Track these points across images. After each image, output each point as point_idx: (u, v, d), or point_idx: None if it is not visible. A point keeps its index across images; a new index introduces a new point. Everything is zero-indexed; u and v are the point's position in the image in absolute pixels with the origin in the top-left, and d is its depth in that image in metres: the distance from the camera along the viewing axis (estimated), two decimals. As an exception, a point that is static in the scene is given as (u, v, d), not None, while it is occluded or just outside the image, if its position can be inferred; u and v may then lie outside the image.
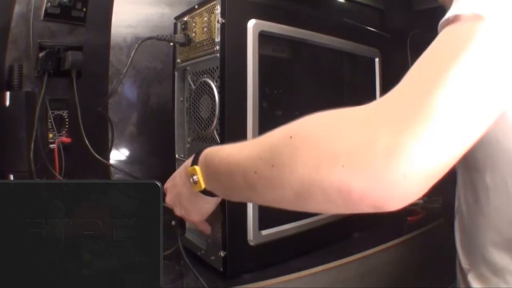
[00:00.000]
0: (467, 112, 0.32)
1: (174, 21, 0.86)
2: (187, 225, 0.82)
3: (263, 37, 0.73)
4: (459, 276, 0.64)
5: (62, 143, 0.88)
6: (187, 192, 0.56)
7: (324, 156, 0.32)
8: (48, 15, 0.88)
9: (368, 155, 0.30)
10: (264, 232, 0.76)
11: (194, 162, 0.51)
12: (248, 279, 0.73)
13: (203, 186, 0.50)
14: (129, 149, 1.10)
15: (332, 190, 0.32)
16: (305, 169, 0.34)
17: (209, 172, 0.49)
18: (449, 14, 0.38)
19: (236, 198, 0.49)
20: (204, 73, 0.76)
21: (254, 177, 0.39)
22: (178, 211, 0.61)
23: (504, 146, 0.48)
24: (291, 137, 0.36)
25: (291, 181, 0.35)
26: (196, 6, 0.77)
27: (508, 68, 0.34)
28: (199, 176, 0.50)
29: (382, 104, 0.33)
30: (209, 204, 0.58)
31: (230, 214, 0.71)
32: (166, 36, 0.81)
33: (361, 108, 0.34)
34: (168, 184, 0.61)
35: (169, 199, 0.60)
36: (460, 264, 0.63)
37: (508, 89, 0.34)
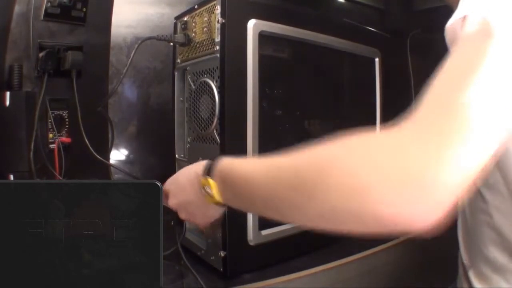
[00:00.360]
0: (492, 135, 0.32)
1: (174, 21, 0.86)
2: (187, 225, 0.82)
3: (263, 37, 0.73)
4: (461, 272, 0.64)
5: (62, 143, 0.88)
6: (197, 200, 0.54)
7: (358, 185, 0.32)
8: (48, 15, 0.88)
9: (402, 183, 0.30)
10: (264, 232, 0.76)
11: (207, 173, 0.49)
12: (248, 279, 0.73)
13: (218, 199, 0.48)
14: (129, 149, 1.10)
15: (367, 217, 0.32)
16: (338, 198, 0.33)
17: (225, 187, 0.47)
18: (456, 16, 0.37)
19: (255, 213, 0.49)
20: (204, 73, 0.76)
21: (276, 202, 0.39)
22: (183, 216, 0.59)
23: (507, 146, 0.48)
24: (321, 164, 0.35)
25: (321, 207, 0.35)
26: (196, 6, 0.77)
27: None
28: (213, 190, 0.48)
29: (412, 127, 0.33)
30: (218, 212, 0.57)
31: (230, 214, 0.71)
32: (166, 36, 0.81)
33: (392, 133, 0.33)
34: (171, 186, 0.59)
35: (174, 204, 0.58)
36: (461, 261, 0.63)
37: None
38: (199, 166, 0.52)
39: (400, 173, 0.30)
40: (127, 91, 1.10)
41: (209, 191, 0.48)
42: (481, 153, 0.31)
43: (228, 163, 0.48)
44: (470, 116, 0.31)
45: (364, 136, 0.35)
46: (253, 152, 0.72)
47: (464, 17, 0.36)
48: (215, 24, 0.71)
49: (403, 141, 0.32)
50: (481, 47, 0.34)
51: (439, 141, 0.30)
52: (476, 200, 0.57)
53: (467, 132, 0.31)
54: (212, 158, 0.50)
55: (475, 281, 0.58)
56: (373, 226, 0.32)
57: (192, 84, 0.80)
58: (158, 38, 0.80)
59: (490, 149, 0.32)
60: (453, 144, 0.30)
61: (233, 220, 0.72)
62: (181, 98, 0.86)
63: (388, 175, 0.31)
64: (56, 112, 0.89)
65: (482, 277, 0.57)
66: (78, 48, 0.91)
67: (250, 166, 0.44)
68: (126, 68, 0.80)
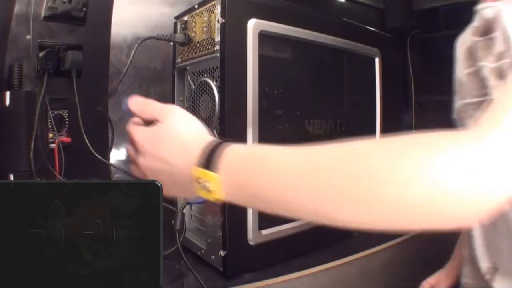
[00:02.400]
0: None
1: (174, 20, 0.86)
2: (187, 225, 0.82)
3: (263, 37, 0.73)
4: (471, 277, 0.65)
5: (62, 143, 0.88)
6: (179, 181, 0.41)
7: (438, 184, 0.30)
8: (48, 15, 0.88)
9: (460, 181, 0.30)
10: (264, 232, 0.76)
11: (208, 162, 0.38)
12: (248, 279, 0.73)
13: (220, 197, 0.38)
14: (129, 149, 1.10)
15: (440, 216, 0.31)
16: (412, 191, 0.30)
17: (237, 183, 0.38)
18: None
19: (276, 211, 0.37)
20: (204, 72, 0.76)
21: (326, 206, 0.34)
22: (142, 171, 0.44)
23: None
24: (395, 155, 0.32)
25: (386, 200, 0.32)
26: (196, 6, 0.77)
27: None
28: (215, 186, 0.37)
29: (495, 135, 0.31)
30: (200, 199, 0.43)
31: (230, 214, 0.71)
32: (166, 36, 0.81)
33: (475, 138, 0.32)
34: (148, 146, 0.42)
35: (141, 164, 0.43)
36: (480, 267, 0.63)
37: None
38: (196, 146, 0.39)
39: (459, 172, 0.29)
40: (127, 91, 1.10)
41: (207, 185, 0.38)
42: None
43: (243, 151, 0.38)
44: None
45: (445, 135, 0.32)
46: (253, 152, 0.72)
47: None
48: (215, 24, 0.71)
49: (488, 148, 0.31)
50: None
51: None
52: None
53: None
54: (212, 142, 0.39)
55: (503, 283, 0.59)
56: (438, 223, 0.31)
57: (192, 83, 0.80)
58: (158, 38, 0.80)
59: None
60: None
61: (233, 220, 0.72)
62: (181, 98, 0.86)
63: (463, 180, 0.30)
64: (56, 112, 0.89)
65: (510, 276, 0.58)
66: (78, 48, 0.91)
67: (279, 158, 0.36)
68: (126, 68, 0.80)
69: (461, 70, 0.65)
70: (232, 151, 0.38)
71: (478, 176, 0.30)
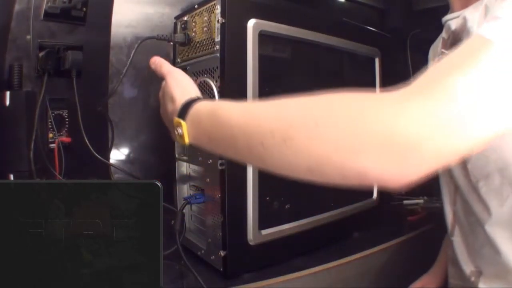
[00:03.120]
0: (485, 108, 0.33)
1: (174, 20, 0.86)
2: (187, 225, 0.82)
3: (263, 37, 0.73)
4: (461, 282, 0.65)
5: (62, 142, 0.88)
6: (172, 130, 0.53)
7: (347, 142, 0.33)
8: (48, 15, 0.88)
9: (391, 146, 0.32)
10: (264, 232, 0.76)
11: (181, 115, 0.49)
12: (248, 279, 0.73)
13: (187, 141, 0.48)
14: (129, 149, 1.10)
15: (351, 173, 0.33)
16: (324, 151, 0.34)
17: (199, 130, 0.47)
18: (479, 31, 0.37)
19: (232, 158, 0.45)
20: (204, 72, 0.76)
21: (260, 148, 0.38)
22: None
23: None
24: (311, 118, 0.36)
25: (306, 160, 0.35)
26: (196, 6, 0.77)
27: None
28: (184, 132, 0.48)
29: (403, 96, 0.34)
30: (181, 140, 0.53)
31: (230, 214, 0.71)
32: (166, 35, 0.81)
33: (385, 96, 0.35)
34: (160, 94, 0.58)
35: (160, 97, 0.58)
36: (463, 271, 0.64)
37: None
38: (180, 101, 0.51)
39: (387, 134, 0.32)
40: (127, 91, 1.10)
41: (179, 131, 0.49)
42: (466, 129, 0.32)
43: (204, 106, 0.48)
44: (458, 94, 0.32)
45: (355, 94, 0.37)
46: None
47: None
48: (215, 24, 0.71)
49: (392, 105, 0.34)
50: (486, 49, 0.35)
51: (424, 107, 0.32)
52: (482, 211, 0.58)
53: (454, 106, 0.32)
54: (190, 99, 0.50)
55: (488, 284, 0.59)
56: (355, 181, 0.34)
57: (192, 84, 0.80)
58: (158, 38, 0.80)
59: (474, 131, 0.33)
60: (440, 112, 0.32)
61: (233, 220, 0.72)
62: (181, 98, 0.86)
63: (375, 134, 0.32)
64: (56, 112, 0.89)
65: (495, 278, 0.58)
66: (78, 48, 0.91)
67: (231, 108, 0.44)
68: (126, 68, 0.79)
69: None
70: (199, 106, 0.48)
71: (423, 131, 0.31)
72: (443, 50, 0.64)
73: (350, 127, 0.34)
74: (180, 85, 0.55)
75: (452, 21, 0.62)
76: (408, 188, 0.34)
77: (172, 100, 0.53)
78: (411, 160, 0.32)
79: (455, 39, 0.60)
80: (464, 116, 0.32)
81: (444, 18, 0.65)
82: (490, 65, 0.34)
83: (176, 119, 0.49)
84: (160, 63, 0.59)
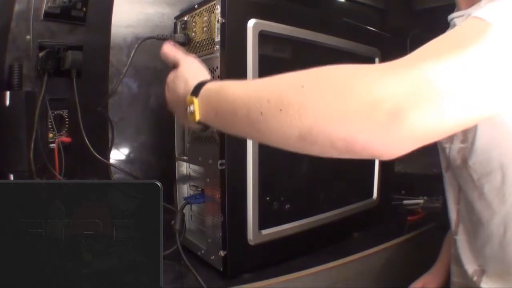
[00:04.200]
0: (467, 91, 0.34)
1: (174, 20, 0.86)
2: (187, 225, 0.82)
3: (263, 37, 0.73)
4: (463, 280, 0.65)
5: (62, 142, 0.88)
6: (182, 110, 0.56)
7: (335, 109, 0.35)
8: (48, 15, 0.88)
9: (375, 114, 0.33)
10: (264, 232, 0.76)
11: (194, 93, 0.52)
12: (248, 279, 0.73)
13: (198, 118, 0.51)
14: (129, 149, 1.10)
15: (339, 140, 0.35)
16: (315, 119, 0.36)
17: (209, 106, 0.50)
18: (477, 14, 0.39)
19: (233, 132, 0.50)
20: (204, 73, 0.76)
21: (259, 117, 0.41)
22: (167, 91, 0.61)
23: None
24: (303, 86, 0.38)
25: (298, 127, 0.37)
26: (196, 6, 0.77)
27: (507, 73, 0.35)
28: (195, 108, 0.51)
29: (391, 67, 0.36)
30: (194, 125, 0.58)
31: (230, 214, 0.71)
32: (166, 35, 0.80)
33: (373, 67, 0.37)
34: (169, 78, 0.61)
35: (166, 92, 0.61)
36: (466, 269, 0.64)
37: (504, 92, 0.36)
38: (192, 84, 0.54)
39: (375, 105, 0.33)
40: (127, 91, 1.10)
41: (191, 108, 0.52)
42: (448, 106, 0.33)
43: (214, 85, 0.52)
44: (446, 73, 0.33)
45: (345, 66, 0.40)
46: (253, 151, 0.72)
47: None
48: (215, 24, 0.71)
49: (381, 77, 0.35)
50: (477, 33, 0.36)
51: (408, 79, 0.33)
52: (485, 208, 0.58)
53: (438, 89, 0.33)
54: (202, 81, 0.54)
55: (490, 283, 0.59)
56: (344, 150, 0.36)
57: (192, 84, 0.80)
58: (158, 38, 0.80)
59: (457, 108, 0.34)
60: (423, 87, 0.33)
61: (233, 220, 0.72)
62: (181, 98, 0.86)
63: (363, 104, 0.34)
64: (56, 112, 0.89)
65: (497, 278, 0.58)
66: (78, 48, 0.91)
67: (235, 85, 0.48)
68: (126, 68, 0.79)
69: None
70: (210, 85, 0.52)
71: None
72: None
73: (336, 94, 0.36)
74: (194, 69, 0.59)
75: (458, 19, 0.62)
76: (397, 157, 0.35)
77: (186, 82, 0.56)
78: (394, 130, 0.33)
79: None
80: (451, 94, 0.33)
81: (450, 16, 0.65)
82: (485, 47, 0.35)
83: (189, 97, 0.53)
84: (175, 49, 0.63)
